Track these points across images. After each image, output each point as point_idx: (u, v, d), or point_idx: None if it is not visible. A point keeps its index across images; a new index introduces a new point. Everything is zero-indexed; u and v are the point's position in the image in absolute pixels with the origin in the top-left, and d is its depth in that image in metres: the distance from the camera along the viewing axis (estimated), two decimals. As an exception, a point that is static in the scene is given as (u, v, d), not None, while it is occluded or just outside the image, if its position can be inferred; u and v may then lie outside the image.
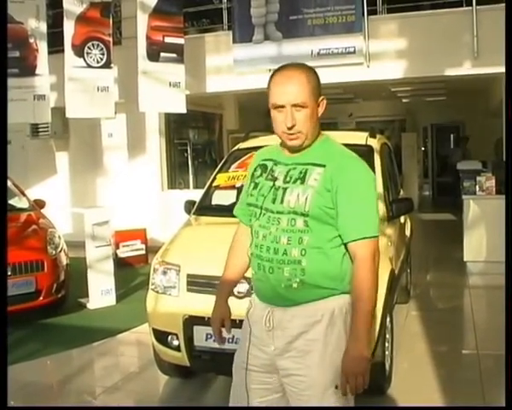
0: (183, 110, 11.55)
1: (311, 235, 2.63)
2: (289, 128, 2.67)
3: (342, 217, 2.63)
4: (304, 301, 2.67)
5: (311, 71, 2.74)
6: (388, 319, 5.10)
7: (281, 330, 2.72)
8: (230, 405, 2.94)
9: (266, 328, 2.76)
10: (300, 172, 2.70)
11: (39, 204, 8.96)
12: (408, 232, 7.51)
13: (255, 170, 2.88)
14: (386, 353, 5.05)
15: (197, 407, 5.10)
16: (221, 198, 5.95)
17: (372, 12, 11.18)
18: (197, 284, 4.69)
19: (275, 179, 2.75)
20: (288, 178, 2.71)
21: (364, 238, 2.62)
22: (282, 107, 2.67)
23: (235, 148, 6.48)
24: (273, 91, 2.70)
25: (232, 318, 4.45)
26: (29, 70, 11.35)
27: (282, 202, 2.68)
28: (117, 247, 10.90)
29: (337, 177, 2.63)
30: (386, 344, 5.06)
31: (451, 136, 21.32)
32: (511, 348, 2.81)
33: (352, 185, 2.63)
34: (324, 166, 2.67)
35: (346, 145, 6.73)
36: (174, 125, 13.97)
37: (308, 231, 2.63)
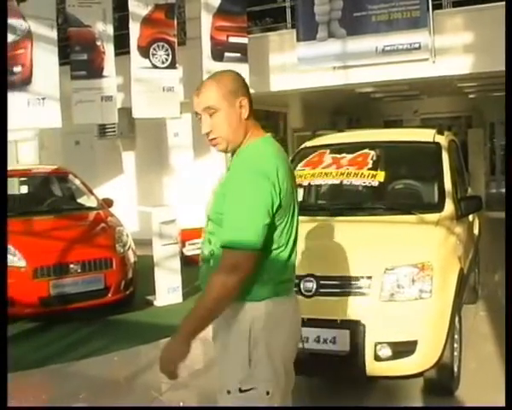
0: (247, 109, 11.58)
1: (216, 237, 2.69)
2: (206, 134, 2.74)
3: None
4: None
5: (226, 75, 2.81)
6: (457, 320, 5.02)
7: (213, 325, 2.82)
8: None
9: None
10: (223, 177, 2.79)
11: (107, 203, 9.13)
12: (476, 231, 7.37)
13: None
14: (455, 353, 4.96)
15: (207, 407, 5.14)
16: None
17: (437, 6, 10.98)
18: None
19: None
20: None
21: (223, 247, 2.58)
22: (199, 115, 2.75)
23: (302, 146, 6.48)
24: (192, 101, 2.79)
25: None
26: (96, 72, 11.60)
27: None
28: (183, 245, 11.01)
29: (225, 183, 2.68)
30: (455, 345, 4.98)
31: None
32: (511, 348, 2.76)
33: (228, 191, 2.62)
34: (230, 170, 2.74)
35: (414, 142, 6.73)
36: (238, 124, 14.03)
37: (214, 234, 2.72)
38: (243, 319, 2.65)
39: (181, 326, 2.60)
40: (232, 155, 2.82)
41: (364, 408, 4.95)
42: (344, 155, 5.83)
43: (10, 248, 7.33)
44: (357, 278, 4.51)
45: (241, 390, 2.61)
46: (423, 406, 4.90)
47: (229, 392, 2.64)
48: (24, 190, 10.52)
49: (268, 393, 2.63)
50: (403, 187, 6.00)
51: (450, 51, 10.76)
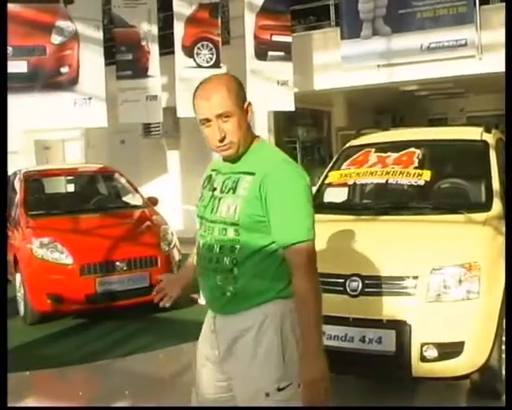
0: (292, 108, 11.58)
1: (242, 244, 2.65)
2: (220, 140, 2.67)
3: (272, 224, 2.62)
4: (238, 310, 2.70)
5: (231, 79, 2.76)
6: (505, 321, 4.94)
7: (221, 336, 2.78)
8: None
9: (213, 333, 2.83)
10: (233, 182, 2.71)
11: (152, 201, 9.20)
12: (524, 230, 7.22)
13: (204, 182, 2.93)
14: (503, 356, 4.88)
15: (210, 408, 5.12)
16: (333, 196, 5.94)
17: (484, 1, 10.82)
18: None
19: (214, 189, 2.80)
20: (223, 188, 2.75)
21: (296, 243, 2.58)
22: (209, 120, 2.67)
23: (347, 145, 6.44)
24: (197, 107, 2.72)
25: (345, 316, 4.50)
26: (141, 72, 11.76)
27: (216, 211, 2.73)
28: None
29: (265, 184, 2.62)
30: (503, 347, 4.90)
31: None
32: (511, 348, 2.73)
33: (279, 192, 2.61)
34: (254, 174, 2.67)
35: (461, 141, 6.62)
36: (283, 123, 14.01)
37: (239, 241, 2.66)
38: (273, 317, 2.66)
39: (307, 351, 2.57)
40: (230, 160, 2.79)
41: (365, 408, 4.92)
42: (389, 153, 5.77)
43: (58, 245, 7.46)
44: (403, 278, 4.47)
45: (279, 389, 2.63)
46: (423, 406, 4.87)
47: (267, 394, 2.63)
48: (71, 188, 10.68)
49: (299, 385, 2.64)
50: (449, 186, 5.91)
51: (498, 47, 10.55)
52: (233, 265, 2.67)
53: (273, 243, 2.65)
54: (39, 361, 6.37)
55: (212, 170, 2.90)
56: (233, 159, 2.76)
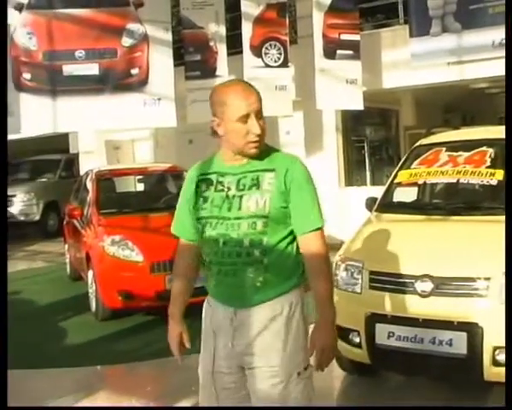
0: (361, 107, 11.51)
1: (270, 235, 2.84)
2: (259, 135, 2.83)
3: (295, 213, 2.86)
4: (266, 299, 2.86)
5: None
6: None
7: (245, 329, 2.88)
8: (200, 405, 3.18)
9: (232, 329, 2.91)
10: (253, 179, 2.88)
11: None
12: None
13: (198, 186, 2.99)
14: None
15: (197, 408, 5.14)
16: (403, 195, 5.88)
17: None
18: (380, 281, 4.66)
19: (228, 189, 2.90)
20: (241, 187, 2.88)
21: (317, 229, 2.86)
22: (247, 116, 2.82)
23: (417, 144, 6.35)
24: (236, 104, 2.83)
25: (415, 316, 4.45)
26: (210, 72, 11.88)
27: (239, 208, 2.85)
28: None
29: (288, 178, 2.85)
30: None
31: None
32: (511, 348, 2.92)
33: (300, 184, 2.86)
34: (274, 170, 2.87)
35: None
36: (351, 122, 13.93)
37: (267, 232, 2.83)
38: (297, 303, 2.91)
39: (324, 320, 2.87)
40: (238, 161, 2.92)
41: (365, 408, 4.87)
42: (460, 152, 5.66)
43: (129, 243, 7.61)
44: (474, 280, 4.38)
45: (305, 368, 2.89)
46: (424, 406, 4.76)
47: (299, 374, 2.87)
48: (140, 187, 10.86)
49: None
50: (524, 186, 5.78)
51: None
52: (263, 255, 2.84)
53: (292, 232, 2.88)
54: (110, 356, 6.52)
55: (207, 173, 3.01)
56: (256, 156, 2.89)
